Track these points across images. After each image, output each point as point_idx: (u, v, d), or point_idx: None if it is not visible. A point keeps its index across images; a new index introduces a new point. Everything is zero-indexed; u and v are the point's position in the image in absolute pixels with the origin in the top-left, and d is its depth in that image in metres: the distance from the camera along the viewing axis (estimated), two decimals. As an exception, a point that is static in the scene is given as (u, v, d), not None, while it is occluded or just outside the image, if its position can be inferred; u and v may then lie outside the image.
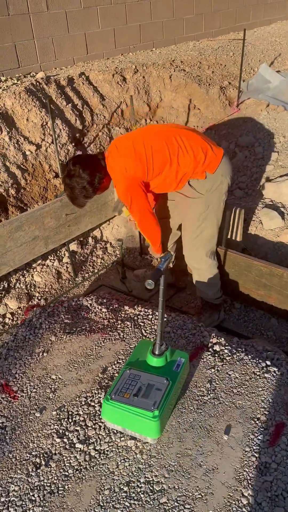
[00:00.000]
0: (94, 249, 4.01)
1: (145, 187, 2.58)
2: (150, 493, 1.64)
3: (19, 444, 1.87)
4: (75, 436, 1.86)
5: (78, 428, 1.89)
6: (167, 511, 1.58)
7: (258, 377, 2.09)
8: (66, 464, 1.76)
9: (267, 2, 8.37)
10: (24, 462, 1.79)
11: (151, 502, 1.61)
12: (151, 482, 1.67)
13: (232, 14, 7.56)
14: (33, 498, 1.66)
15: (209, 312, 2.98)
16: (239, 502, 1.59)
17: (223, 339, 2.34)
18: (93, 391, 2.06)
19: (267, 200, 3.49)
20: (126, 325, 2.47)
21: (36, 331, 2.49)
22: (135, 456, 1.76)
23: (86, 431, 1.87)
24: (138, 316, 2.55)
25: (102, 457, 1.77)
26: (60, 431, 1.89)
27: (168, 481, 1.67)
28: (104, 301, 2.75)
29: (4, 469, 1.79)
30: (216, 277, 2.86)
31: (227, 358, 2.21)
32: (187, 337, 2.37)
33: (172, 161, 2.50)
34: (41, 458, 1.79)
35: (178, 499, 1.61)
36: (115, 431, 1.86)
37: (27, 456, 1.81)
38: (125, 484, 1.67)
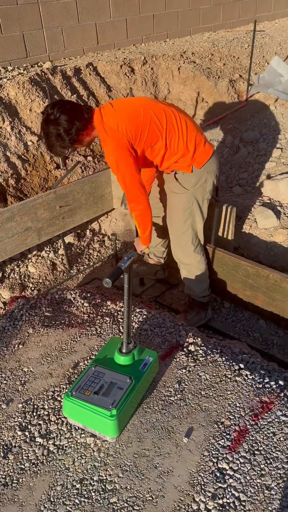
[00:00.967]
0: (91, 242, 4.00)
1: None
2: (101, 492, 1.63)
3: (-17, 435, 1.89)
4: (37, 430, 1.87)
5: (41, 422, 1.90)
6: (116, 511, 1.57)
7: (229, 380, 2.05)
8: (24, 458, 1.77)
9: (289, -8, 8.14)
10: (-15, 452, 1.82)
11: (100, 501, 1.60)
12: (104, 481, 1.67)
13: (252, 4, 7.37)
14: (-12, 489, 1.68)
15: (196, 310, 2.95)
16: (189, 507, 1.57)
17: (199, 339, 2.31)
18: (61, 385, 2.07)
19: (265, 198, 3.41)
20: (105, 320, 2.46)
21: (16, 322, 2.50)
22: (92, 454, 1.76)
23: (48, 426, 1.88)
24: (119, 312, 2.53)
25: (60, 453, 1.78)
26: (23, 424, 1.90)
27: (121, 481, 1.66)
28: (88, 295, 2.75)
29: None
30: (205, 273, 2.82)
31: (201, 359, 2.18)
32: (164, 335, 2.34)
33: (165, 138, 2.43)
34: (0, 450, 1.80)
35: (128, 499, 1.60)
36: (76, 428, 1.86)
37: (-12, 447, 1.84)
38: (78, 481, 1.67)
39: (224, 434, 1.82)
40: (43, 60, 4.94)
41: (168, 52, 5.26)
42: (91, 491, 1.64)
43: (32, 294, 3.51)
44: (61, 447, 1.80)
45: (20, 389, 2.07)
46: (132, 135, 2.35)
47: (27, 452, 1.79)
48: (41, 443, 1.82)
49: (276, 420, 1.86)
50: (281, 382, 2.05)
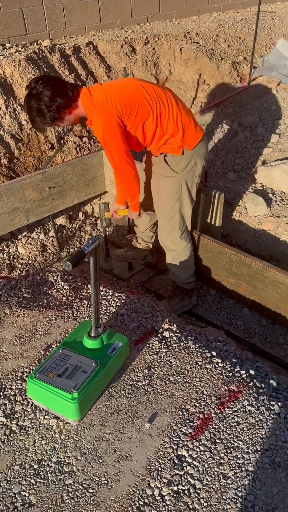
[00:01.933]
0: (84, 225, 3.98)
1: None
2: (58, 474, 1.64)
3: None
4: (2, 409, 1.87)
5: (6, 402, 1.90)
6: (70, 492, 1.58)
7: (199, 367, 2.03)
8: (-14, 437, 1.78)
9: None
10: None
11: (56, 482, 1.61)
12: (62, 462, 1.67)
13: (263, -16, 7.13)
14: None
15: (180, 296, 2.92)
16: (143, 492, 1.57)
17: (175, 326, 2.28)
18: (31, 366, 2.07)
19: (258, 185, 3.34)
20: (82, 304, 2.45)
21: (-6, 302, 2.50)
22: (53, 435, 1.76)
23: (14, 406, 1.89)
24: (97, 296, 2.51)
25: (22, 433, 1.78)
26: (-11, 403, 1.91)
27: (78, 464, 1.67)
28: (70, 278, 2.73)
29: None
30: (190, 260, 2.79)
31: (174, 345, 2.16)
32: (139, 320, 2.32)
33: (156, 115, 2.38)
34: None
35: (83, 482, 1.61)
36: (41, 409, 1.86)
37: None
38: (36, 462, 1.68)
39: (188, 421, 1.80)
40: (43, 37, 4.85)
41: (172, 32, 5.13)
42: (48, 472, 1.64)
43: (20, 275, 3.52)
44: (23, 428, 1.80)
45: (-10, 369, 2.08)
46: (122, 109, 2.30)
47: (-11, 431, 1.80)
48: (4, 422, 1.82)
49: (241, 409, 1.84)
50: (252, 372, 2.03)
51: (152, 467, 1.65)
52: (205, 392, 1.92)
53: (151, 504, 1.54)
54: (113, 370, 1.93)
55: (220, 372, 2.00)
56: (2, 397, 1.93)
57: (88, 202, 4.03)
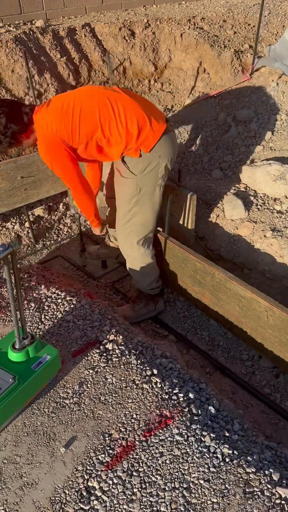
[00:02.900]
0: (63, 217, 3.83)
1: (75, 153, 2.34)
2: None
3: None
4: None
5: None
6: None
7: (135, 386, 1.89)
8: None
9: None
10: None
11: None
12: None
13: None
14: None
15: (144, 301, 2.76)
16: (40, 526, 1.45)
17: (121, 337, 2.13)
18: None
19: (242, 186, 3.12)
20: (29, 306, 2.32)
21: None
22: None
23: None
24: (48, 299, 2.38)
25: None
26: None
27: (-20, 488, 1.55)
28: (26, 276, 2.60)
29: None
30: (150, 267, 2.62)
31: (114, 359, 2.01)
32: (85, 329, 2.18)
33: (103, 127, 2.24)
34: None
35: (-20, 509, 1.49)
36: None
37: None
38: None
39: (108, 448, 1.66)
40: (40, 18, 4.64)
41: (176, 16, 4.85)
42: None
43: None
44: None
45: None
46: (63, 134, 2.23)
47: None
48: None
49: (169, 438, 1.69)
50: (191, 395, 1.87)
51: (56, 498, 1.53)
52: (134, 416, 1.77)
53: None
54: (36, 386, 1.80)
55: (156, 393, 1.85)
56: None
57: (65, 194, 3.87)
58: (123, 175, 2.42)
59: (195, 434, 1.70)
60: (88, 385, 1.90)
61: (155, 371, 1.96)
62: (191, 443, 1.67)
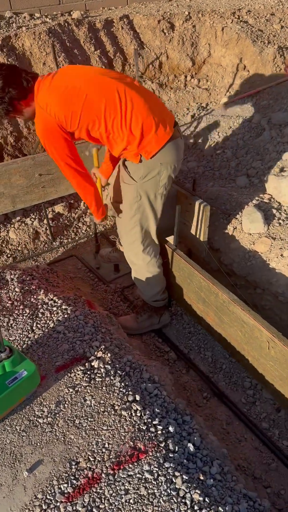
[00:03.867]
0: (83, 215, 3.77)
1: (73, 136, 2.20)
2: None
3: None
4: None
5: None
6: None
7: (113, 412, 1.79)
8: None
9: None
10: None
11: None
12: None
13: None
14: None
15: (148, 313, 2.65)
16: None
17: (109, 355, 2.04)
18: None
19: (267, 197, 2.91)
20: (23, 312, 2.27)
21: None
22: None
23: None
24: (44, 305, 2.32)
25: None
26: None
27: None
28: (28, 278, 2.55)
29: None
30: (156, 277, 2.50)
31: (97, 379, 1.92)
32: (73, 342, 2.10)
33: (106, 122, 2.11)
34: None
35: None
36: None
37: None
38: None
39: (72, 478, 1.58)
40: (79, 8, 4.56)
41: (220, 8, 4.61)
42: None
43: (7, 262, 3.41)
44: None
45: None
46: (61, 119, 2.09)
47: None
48: None
49: (138, 475, 1.58)
50: (171, 428, 1.75)
51: (10, 527, 1.47)
52: (106, 445, 1.68)
53: None
54: (9, 403, 1.74)
55: (133, 423, 1.74)
56: None
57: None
58: (125, 180, 2.30)
59: (166, 473, 1.58)
60: (66, 405, 1.82)
61: (137, 397, 1.85)
62: (160, 484, 1.55)
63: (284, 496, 1.94)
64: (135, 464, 1.62)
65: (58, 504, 1.51)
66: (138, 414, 1.78)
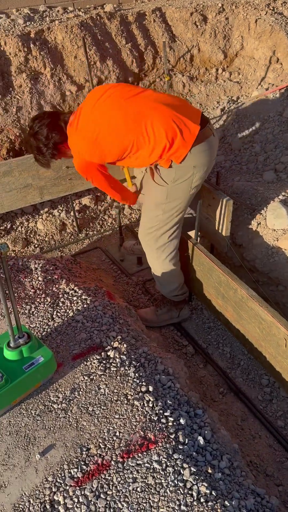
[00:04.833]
0: (109, 208, 3.80)
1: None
2: None
3: None
4: None
5: None
6: None
7: (126, 401, 1.81)
8: None
9: None
10: None
11: None
12: None
13: None
14: None
15: (167, 307, 2.66)
16: (-2, 532, 1.45)
17: (125, 345, 2.06)
18: None
19: (294, 192, 2.85)
20: (44, 301, 2.32)
21: None
22: None
23: None
24: (65, 295, 2.37)
25: None
26: None
27: None
28: (51, 268, 2.61)
29: None
30: (172, 274, 2.50)
31: (112, 369, 1.95)
32: (91, 332, 2.14)
33: (132, 148, 2.18)
34: None
35: None
36: None
37: None
38: None
39: (82, 463, 1.62)
40: (112, 1, 4.57)
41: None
42: None
43: (34, 252, 3.50)
44: None
45: None
46: (97, 160, 2.24)
47: None
48: None
49: (146, 464, 1.61)
50: (182, 421, 1.76)
51: (20, 506, 1.52)
52: (117, 434, 1.71)
53: None
54: (25, 387, 1.79)
55: (145, 413, 1.77)
56: None
57: (119, 184, 3.82)
58: (155, 180, 2.31)
59: (175, 464, 1.60)
60: (80, 392, 1.86)
61: (150, 388, 1.86)
62: (167, 474, 1.57)
63: (297, 495, 1.91)
64: (145, 453, 1.64)
65: (68, 487, 1.55)
66: (150, 405, 1.80)
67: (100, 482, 1.57)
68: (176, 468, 1.59)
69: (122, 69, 4.12)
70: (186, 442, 1.69)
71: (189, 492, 1.53)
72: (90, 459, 1.63)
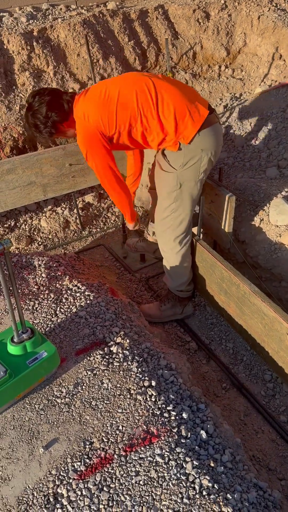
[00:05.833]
0: (112, 205, 3.81)
1: (111, 144, 2.29)
2: None
3: None
4: None
5: None
6: None
7: (128, 396, 1.83)
8: None
9: None
10: None
11: None
12: None
13: None
14: None
15: (172, 302, 2.67)
16: (2, 524, 1.47)
17: (127, 341, 2.07)
18: None
19: (297, 188, 2.85)
20: (48, 297, 2.34)
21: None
22: None
23: None
24: (68, 291, 2.38)
25: None
26: None
27: None
28: (54, 265, 2.62)
29: None
30: (183, 267, 2.51)
31: (115, 364, 1.96)
32: (94, 327, 2.15)
33: (141, 115, 2.16)
34: None
35: None
36: None
37: None
38: None
39: (85, 457, 1.63)
40: (114, -1, 4.58)
41: (258, -5, 4.51)
42: None
43: (38, 249, 3.51)
44: None
45: None
46: (99, 123, 2.17)
47: None
48: None
49: (149, 458, 1.62)
50: (185, 415, 1.77)
51: (24, 499, 1.53)
52: (120, 428, 1.72)
53: None
54: (29, 382, 1.81)
55: (148, 407, 1.78)
56: None
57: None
58: (164, 168, 2.31)
59: (177, 458, 1.61)
60: (83, 387, 1.87)
61: (153, 383, 1.87)
62: (170, 468, 1.58)
63: (299, 490, 1.92)
64: (147, 447, 1.65)
65: (71, 481, 1.57)
66: (153, 399, 1.81)
67: (103, 475, 1.58)
68: (179, 462, 1.60)
69: (125, 66, 4.12)
70: (189, 436, 1.70)
71: (192, 485, 1.53)
72: (93, 453, 1.64)
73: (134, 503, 1.50)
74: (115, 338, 2.10)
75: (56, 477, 1.58)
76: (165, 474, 1.57)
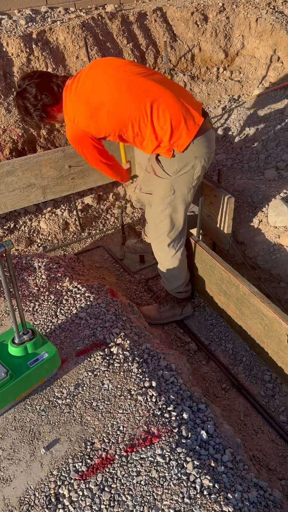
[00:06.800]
0: (112, 207, 3.82)
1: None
2: None
3: None
4: None
5: None
6: None
7: (129, 396, 1.83)
8: None
9: None
10: None
11: None
12: None
13: None
14: None
15: (170, 304, 2.68)
16: (4, 525, 1.47)
17: (128, 342, 2.08)
18: None
19: (295, 190, 2.87)
20: (48, 298, 2.35)
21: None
22: None
23: None
24: (68, 292, 2.39)
25: None
26: None
27: None
28: (54, 266, 2.63)
29: None
30: (178, 270, 2.52)
31: (116, 365, 1.97)
32: (95, 328, 2.16)
33: (133, 126, 2.15)
34: None
35: None
36: None
37: None
38: None
39: (86, 457, 1.64)
40: (113, 1, 4.59)
41: (256, -2, 4.53)
42: None
43: (37, 251, 3.52)
44: None
45: None
46: (89, 130, 2.16)
47: None
48: None
49: (150, 458, 1.63)
50: (185, 415, 1.78)
51: (26, 499, 1.54)
52: (121, 428, 1.73)
53: None
54: (30, 383, 1.81)
55: (148, 408, 1.79)
56: None
57: (120, 183, 3.85)
58: (158, 174, 2.32)
59: (178, 458, 1.62)
60: (84, 388, 1.88)
61: (153, 383, 1.88)
62: (171, 468, 1.59)
63: (299, 489, 1.93)
64: (148, 447, 1.66)
65: (72, 481, 1.57)
66: (154, 400, 1.82)
67: (105, 475, 1.59)
68: (180, 462, 1.61)
69: (124, 69, 4.14)
70: (189, 436, 1.71)
71: (192, 485, 1.54)
72: (94, 453, 1.65)
73: (135, 503, 1.51)
74: (115, 339, 2.11)
75: (58, 478, 1.59)
76: (166, 474, 1.58)
